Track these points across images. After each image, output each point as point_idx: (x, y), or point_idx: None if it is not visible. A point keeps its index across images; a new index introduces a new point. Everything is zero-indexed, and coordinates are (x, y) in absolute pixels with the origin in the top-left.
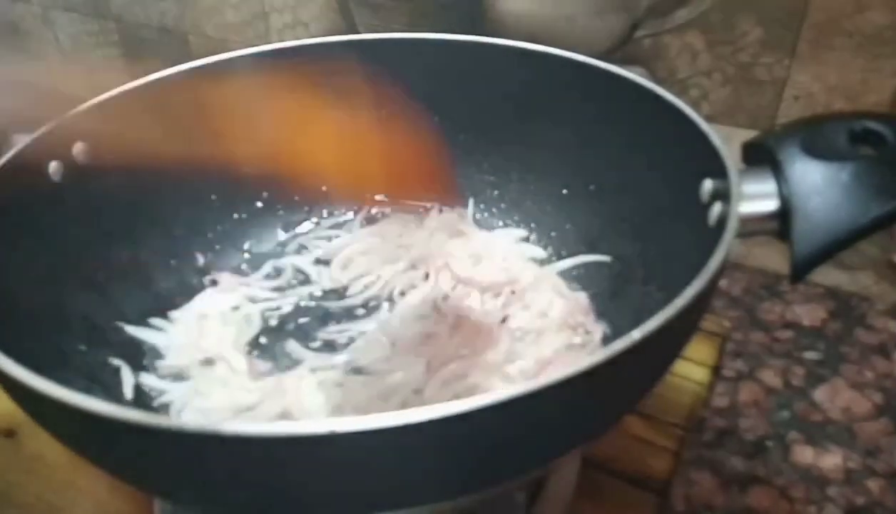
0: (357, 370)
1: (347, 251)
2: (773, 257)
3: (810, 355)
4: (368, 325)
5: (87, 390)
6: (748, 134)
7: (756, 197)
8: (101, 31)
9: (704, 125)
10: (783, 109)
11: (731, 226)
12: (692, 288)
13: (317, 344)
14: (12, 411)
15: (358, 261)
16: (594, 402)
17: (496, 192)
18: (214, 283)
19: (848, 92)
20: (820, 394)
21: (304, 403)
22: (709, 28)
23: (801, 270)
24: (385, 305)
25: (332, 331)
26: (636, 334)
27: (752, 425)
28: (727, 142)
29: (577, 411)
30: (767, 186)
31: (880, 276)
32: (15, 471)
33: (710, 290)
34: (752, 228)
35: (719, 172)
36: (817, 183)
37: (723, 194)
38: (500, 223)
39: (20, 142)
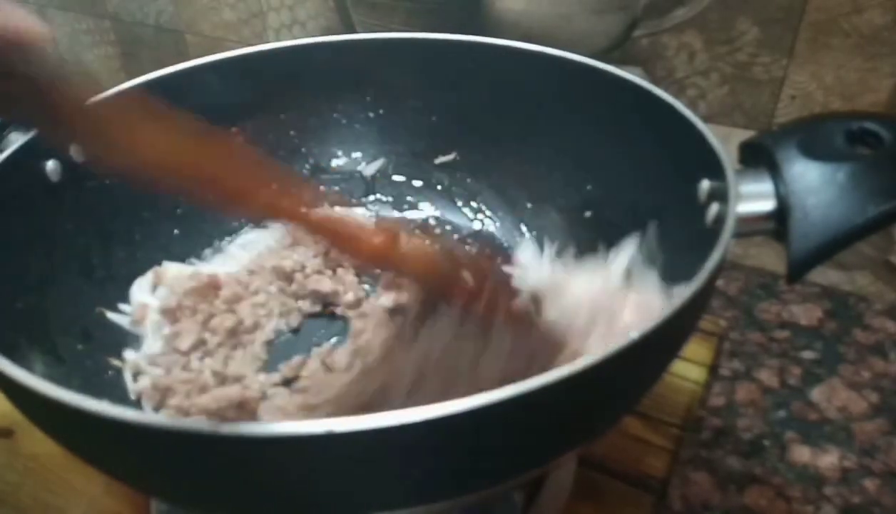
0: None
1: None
2: (770, 257)
3: (807, 354)
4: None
5: (85, 390)
6: (745, 134)
7: (753, 197)
8: (97, 29)
9: (702, 125)
10: (780, 109)
11: (729, 226)
12: (690, 288)
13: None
14: (9, 412)
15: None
16: (592, 402)
17: (492, 192)
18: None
19: (845, 92)
20: (817, 394)
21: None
22: (706, 27)
23: (797, 270)
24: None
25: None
26: (635, 334)
27: (749, 424)
28: (724, 142)
29: (575, 412)
30: (764, 186)
31: (877, 275)
32: (12, 471)
33: (707, 290)
34: (750, 228)
35: (717, 172)
36: (814, 183)
37: (720, 194)
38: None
39: (17, 140)
